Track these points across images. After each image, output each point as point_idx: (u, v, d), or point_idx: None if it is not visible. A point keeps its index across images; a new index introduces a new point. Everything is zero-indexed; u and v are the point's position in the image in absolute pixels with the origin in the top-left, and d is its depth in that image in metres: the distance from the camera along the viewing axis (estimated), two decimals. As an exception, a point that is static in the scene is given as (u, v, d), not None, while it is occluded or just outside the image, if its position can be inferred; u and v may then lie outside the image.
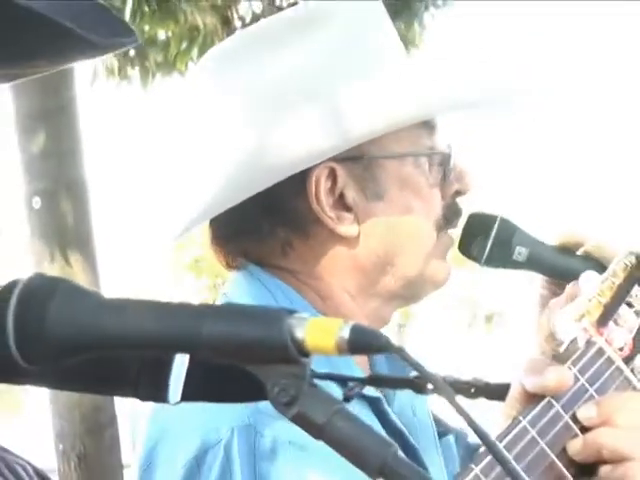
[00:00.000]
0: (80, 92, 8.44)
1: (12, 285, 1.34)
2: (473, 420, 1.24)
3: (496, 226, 2.23)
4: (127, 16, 9.24)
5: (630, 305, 1.80)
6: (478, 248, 2.25)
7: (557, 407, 1.68)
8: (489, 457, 1.58)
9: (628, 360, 1.76)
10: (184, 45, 10.44)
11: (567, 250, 2.24)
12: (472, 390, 1.87)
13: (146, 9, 10.42)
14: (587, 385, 1.72)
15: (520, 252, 2.23)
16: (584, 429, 1.69)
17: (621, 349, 1.77)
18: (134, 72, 10.82)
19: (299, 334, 1.24)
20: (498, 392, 1.80)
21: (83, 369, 1.47)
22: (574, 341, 1.76)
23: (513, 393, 1.75)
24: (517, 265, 2.24)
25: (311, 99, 2.13)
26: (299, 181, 2.13)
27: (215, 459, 1.95)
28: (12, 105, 8.32)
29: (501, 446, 1.62)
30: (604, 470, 1.70)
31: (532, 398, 1.71)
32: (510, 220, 2.24)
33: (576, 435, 1.69)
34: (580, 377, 1.73)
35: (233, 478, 1.92)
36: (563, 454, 1.68)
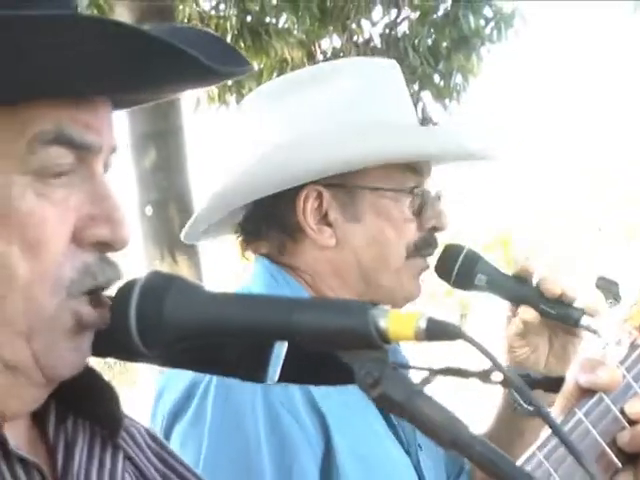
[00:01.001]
0: (185, 116, 8.52)
1: (133, 281, 1.35)
2: (546, 410, 1.24)
3: (462, 256, 2.37)
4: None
5: None
6: (447, 273, 2.38)
7: (607, 401, 1.68)
8: (554, 442, 1.56)
9: None
10: (274, 75, 10.50)
11: (520, 279, 2.36)
12: (530, 382, 1.87)
13: (242, 44, 10.49)
14: (633, 382, 1.71)
15: (480, 278, 2.36)
16: (631, 422, 1.68)
17: None
18: (232, 98, 10.87)
19: (382, 324, 1.24)
20: (553, 385, 1.80)
21: (190, 351, 1.47)
22: (619, 342, 1.76)
23: (567, 387, 1.73)
24: (478, 288, 2.36)
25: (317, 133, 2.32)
26: (292, 197, 2.29)
27: (200, 387, 2.15)
28: (127, 126, 8.40)
29: (566, 434, 1.60)
30: None
31: (584, 392, 1.69)
32: (476, 252, 2.38)
33: (624, 427, 1.68)
34: (627, 375, 1.73)
35: (208, 398, 2.14)
36: (613, 444, 1.67)
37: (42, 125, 1.30)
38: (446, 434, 1.23)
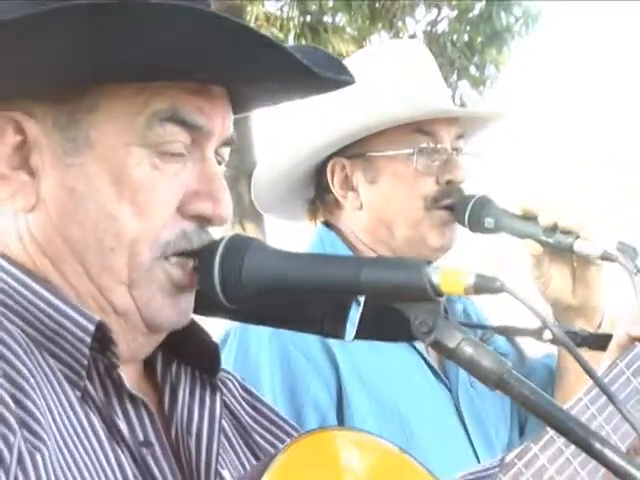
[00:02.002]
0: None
1: (217, 242, 1.35)
2: (586, 362, 1.22)
3: (471, 203, 2.32)
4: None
5: None
6: (462, 220, 2.34)
7: None
8: (595, 390, 1.54)
9: None
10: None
11: (525, 217, 2.31)
12: (578, 339, 1.84)
13: (303, 41, 10.46)
14: None
15: (489, 222, 2.31)
16: None
17: None
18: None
19: (435, 279, 1.24)
20: (601, 342, 1.77)
21: (275, 308, 1.48)
22: None
23: (613, 344, 1.71)
24: (489, 230, 2.33)
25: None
26: (324, 171, 2.37)
27: (230, 335, 2.22)
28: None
29: (606, 383, 1.59)
30: None
31: (625, 349, 1.67)
32: (486, 197, 2.34)
33: None
34: None
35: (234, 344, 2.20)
36: None
37: (160, 104, 1.32)
38: (491, 376, 1.22)
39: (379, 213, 2.34)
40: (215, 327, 2.17)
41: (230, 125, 1.41)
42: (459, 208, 2.33)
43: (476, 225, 2.32)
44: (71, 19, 1.22)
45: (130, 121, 1.31)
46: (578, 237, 2.23)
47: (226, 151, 1.42)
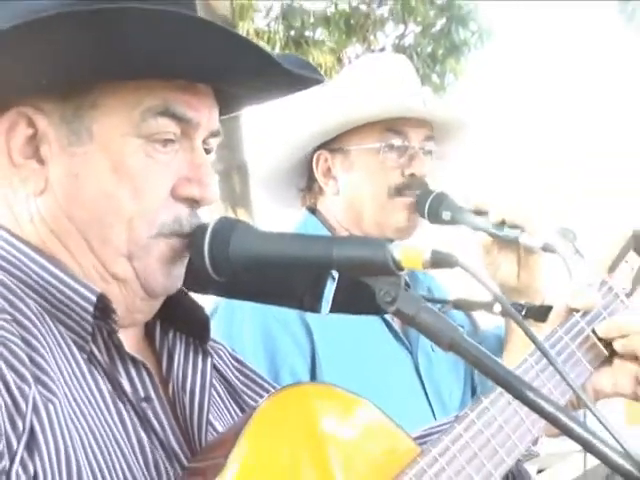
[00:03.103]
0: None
1: (207, 224, 1.35)
2: (530, 330, 1.23)
3: (430, 198, 2.32)
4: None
5: (626, 262, 1.77)
6: (421, 212, 2.34)
7: (582, 323, 1.66)
8: (538, 353, 1.55)
9: (629, 294, 1.75)
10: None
11: (478, 212, 2.32)
12: (524, 311, 1.85)
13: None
14: (602, 310, 1.69)
15: (446, 214, 2.31)
16: (600, 339, 1.66)
17: (624, 288, 1.75)
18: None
19: (396, 255, 1.24)
20: (543, 313, 1.77)
21: (260, 285, 1.48)
22: (590, 284, 1.74)
23: (554, 314, 1.71)
24: (446, 222, 2.33)
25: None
26: (310, 162, 2.41)
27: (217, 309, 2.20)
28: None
29: (547, 346, 1.59)
30: (617, 344, 1.66)
31: (564, 319, 1.67)
32: (444, 193, 2.34)
33: (594, 343, 1.65)
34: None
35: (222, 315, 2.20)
36: (586, 353, 1.65)
37: (153, 100, 1.31)
38: (445, 339, 1.22)
39: (352, 198, 2.36)
40: (206, 303, 2.18)
41: (216, 119, 1.40)
42: (420, 201, 2.33)
43: (434, 217, 2.33)
44: (73, 24, 1.21)
45: (127, 115, 1.31)
46: (523, 231, 2.24)
47: (214, 141, 1.41)
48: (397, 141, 2.33)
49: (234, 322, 2.18)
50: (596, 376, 1.66)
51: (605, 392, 1.67)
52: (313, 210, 2.44)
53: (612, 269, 1.75)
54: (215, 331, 2.08)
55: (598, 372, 1.66)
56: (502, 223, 2.26)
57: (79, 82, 1.29)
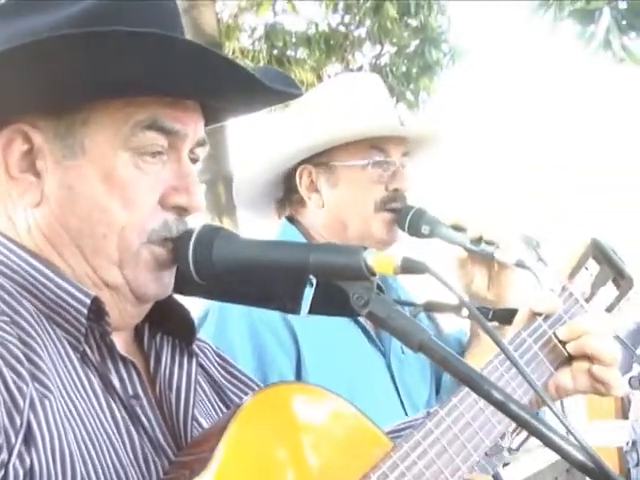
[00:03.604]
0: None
1: (191, 230, 1.35)
2: (494, 332, 1.23)
3: (411, 213, 2.32)
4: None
5: (586, 268, 1.78)
6: (402, 226, 2.34)
7: (544, 326, 1.66)
8: (502, 356, 1.56)
9: (588, 299, 1.76)
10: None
11: (456, 227, 2.31)
12: (489, 314, 1.85)
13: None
14: (563, 314, 1.69)
15: (425, 228, 2.31)
16: (561, 342, 1.66)
17: (583, 293, 1.75)
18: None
19: (369, 261, 1.24)
20: (508, 317, 1.78)
21: (243, 288, 1.48)
22: (553, 289, 1.75)
23: (518, 318, 1.72)
24: (425, 236, 2.32)
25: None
26: (294, 175, 2.37)
27: (210, 312, 2.20)
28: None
29: (510, 348, 1.60)
30: (569, 346, 1.66)
31: (528, 322, 1.68)
32: (422, 209, 2.33)
33: (555, 345, 1.66)
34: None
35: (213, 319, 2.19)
36: (548, 355, 1.66)
37: (141, 115, 1.31)
38: (414, 340, 1.22)
39: (337, 212, 2.35)
40: (197, 307, 2.18)
41: (202, 129, 1.40)
42: (401, 216, 2.33)
43: (414, 230, 2.32)
44: (64, 46, 1.22)
45: (117, 130, 1.30)
46: (498, 247, 2.25)
47: (200, 151, 1.41)
48: (380, 157, 2.33)
49: (225, 326, 2.17)
50: (558, 375, 1.66)
51: (567, 389, 1.68)
52: (291, 220, 2.43)
53: (572, 275, 1.75)
54: (206, 333, 2.11)
55: (559, 371, 1.66)
56: (479, 239, 2.27)
57: (71, 100, 1.29)
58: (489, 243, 2.26)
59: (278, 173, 2.39)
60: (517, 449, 1.67)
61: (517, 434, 1.64)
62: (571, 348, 1.65)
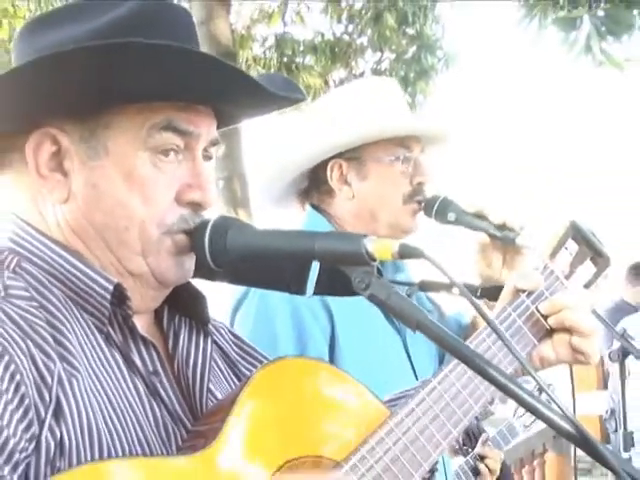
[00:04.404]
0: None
1: (207, 220, 1.35)
2: (480, 307, 1.23)
3: (438, 201, 2.31)
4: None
5: (566, 248, 1.78)
6: (429, 213, 2.32)
7: (527, 301, 1.66)
8: (488, 329, 1.55)
9: (568, 276, 1.76)
10: (302, 95, 10.51)
11: (478, 215, 2.29)
12: (478, 292, 1.85)
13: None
14: (544, 290, 1.69)
15: (451, 216, 2.28)
16: (543, 316, 1.66)
17: (563, 271, 1.75)
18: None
19: (369, 247, 1.24)
20: (494, 293, 1.78)
21: (255, 272, 1.49)
22: (537, 268, 1.74)
23: (504, 294, 1.71)
24: (450, 223, 2.30)
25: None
26: (325, 168, 2.35)
27: (249, 294, 2.20)
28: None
29: (497, 322, 1.59)
30: (550, 319, 1.65)
31: (513, 298, 1.67)
32: (448, 198, 2.31)
33: (538, 319, 1.65)
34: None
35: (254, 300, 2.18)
36: (532, 328, 1.65)
37: (158, 118, 1.31)
38: (413, 319, 1.22)
39: (367, 203, 2.34)
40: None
41: (214, 130, 1.40)
42: (429, 204, 2.33)
43: (441, 218, 2.31)
44: (87, 57, 1.22)
45: (136, 132, 1.31)
46: (518, 234, 2.24)
47: (214, 149, 1.41)
48: (406, 154, 2.34)
49: (267, 306, 2.17)
50: (541, 347, 1.66)
51: (550, 360, 1.67)
52: (317, 209, 2.42)
53: (553, 255, 1.76)
54: (247, 313, 2.17)
55: (542, 344, 1.66)
56: (502, 225, 2.25)
57: (93, 106, 1.29)
58: (510, 230, 2.24)
59: (309, 167, 2.39)
60: (529, 425, 1.67)
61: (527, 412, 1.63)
62: (552, 321, 1.65)
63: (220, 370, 1.51)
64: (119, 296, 1.31)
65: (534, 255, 2.04)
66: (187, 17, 1.38)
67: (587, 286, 1.79)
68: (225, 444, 1.25)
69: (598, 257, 1.79)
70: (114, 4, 1.30)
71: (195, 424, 1.35)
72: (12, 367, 1.14)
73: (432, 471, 1.69)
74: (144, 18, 1.30)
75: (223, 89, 1.33)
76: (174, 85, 1.28)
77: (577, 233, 1.78)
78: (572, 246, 1.79)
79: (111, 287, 1.30)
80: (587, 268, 1.80)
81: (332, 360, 2.16)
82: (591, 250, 1.79)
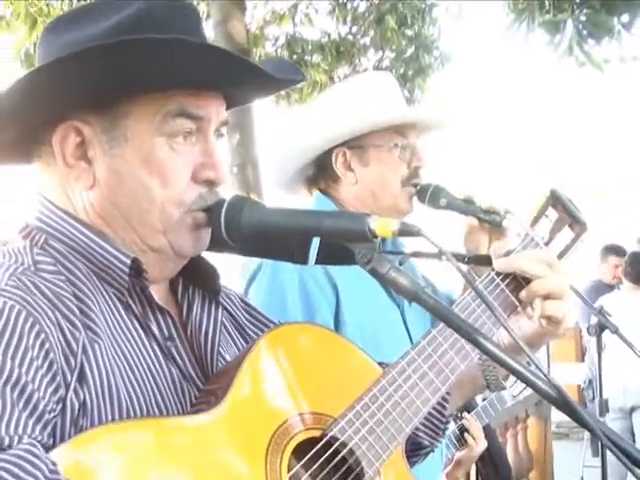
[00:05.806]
0: (255, 112, 8.38)
1: (223, 199, 1.36)
2: (466, 274, 1.22)
3: (431, 188, 2.30)
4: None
5: (546, 216, 1.77)
6: (423, 199, 2.32)
7: (497, 279, 1.61)
8: (472, 293, 1.54)
9: (547, 243, 1.75)
10: (310, 90, 10.47)
11: (467, 201, 2.28)
12: (466, 259, 1.83)
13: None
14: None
15: (442, 201, 2.28)
16: (512, 291, 1.62)
17: (543, 237, 1.74)
18: (283, 103, 10.82)
19: (372, 225, 1.24)
20: (481, 261, 1.76)
21: (262, 245, 1.48)
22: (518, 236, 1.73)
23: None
24: (442, 207, 2.29)
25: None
26: (330, 156, 2.33)
27: (262, 266, 2.20)
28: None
29: (481, 286, 1.58)
30: (521, 294, 1.61)
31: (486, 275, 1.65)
32: (440, 185, 2.31)
33: (507, 295, 1.61)
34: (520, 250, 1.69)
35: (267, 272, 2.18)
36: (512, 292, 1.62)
37: (171, 105, 1.32)
38: (410, 291, 1.23)
39: (369, 187, 2.34)
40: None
41: (224, 112, 1.40)
42: (422, 190, 2.32)
43: (433, 203, 2.31)
44: (103, 53, 1.22)
45: (151, 119, 1.31)
46: (505, 217, 2.23)
47: (224, 129, 1.41)
48: (403, 141, 2.33)
49: (278, 278, 2.18)
50: (514, 321, 1.63)
51: (524, 332, 1.62)
52: (324, 193, 2.42)
53: (534, 222, 1.75)
54: (260, 283, 2.18)
55: (516, 317, 1.63)
56: (489, 210, 2.24)
57: (113, 98, 1.30)
58: (496, 213, 2.24)
59: (315, 155, 2.38)
60: (516, 396, 1.66)
61: (515, 382, 1.62)
62: (523, 296, 1.60)
63: (230, 335, 1.52)
64: (136, 269, 1.33)
65: (516, 231, 2.04)
66: (194, 13, 1.38)
67: (566, 249, 1.78)
68: (233, 401, 1.26)
69: (576, 223, 1.78)
70: (126, 4, 1.31)
71: (206, 383, 1.36)
72: (42, 336, 1.16)
73: (427, 452, 1.70)
74: (152, 15, 1.30)
75: (228, 75, 1.33)
76: (183, 75, 1.29)
77: (556, 201, 1.77)
78: (552, 214, 1.78)
79: (129, 261, 1.32)
80: (565, 234, 1.79)
81: (336, 328, 2.16)
82: (569, 217, 1.78)
